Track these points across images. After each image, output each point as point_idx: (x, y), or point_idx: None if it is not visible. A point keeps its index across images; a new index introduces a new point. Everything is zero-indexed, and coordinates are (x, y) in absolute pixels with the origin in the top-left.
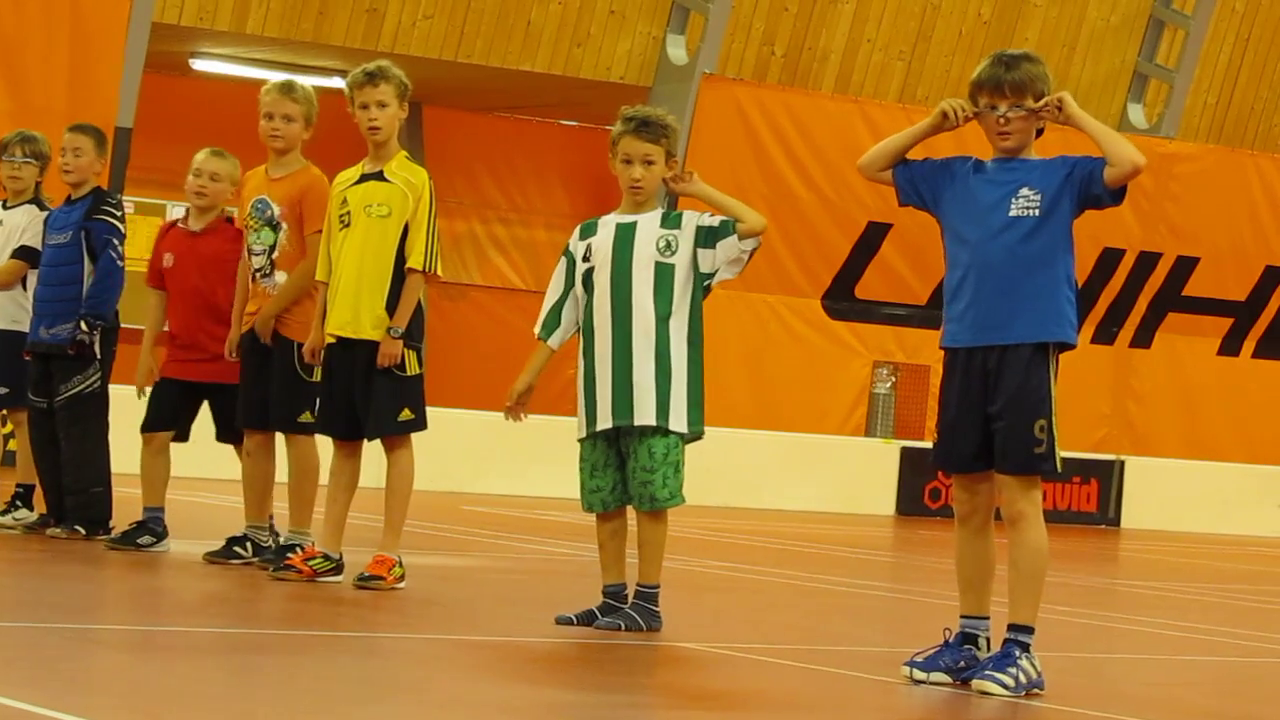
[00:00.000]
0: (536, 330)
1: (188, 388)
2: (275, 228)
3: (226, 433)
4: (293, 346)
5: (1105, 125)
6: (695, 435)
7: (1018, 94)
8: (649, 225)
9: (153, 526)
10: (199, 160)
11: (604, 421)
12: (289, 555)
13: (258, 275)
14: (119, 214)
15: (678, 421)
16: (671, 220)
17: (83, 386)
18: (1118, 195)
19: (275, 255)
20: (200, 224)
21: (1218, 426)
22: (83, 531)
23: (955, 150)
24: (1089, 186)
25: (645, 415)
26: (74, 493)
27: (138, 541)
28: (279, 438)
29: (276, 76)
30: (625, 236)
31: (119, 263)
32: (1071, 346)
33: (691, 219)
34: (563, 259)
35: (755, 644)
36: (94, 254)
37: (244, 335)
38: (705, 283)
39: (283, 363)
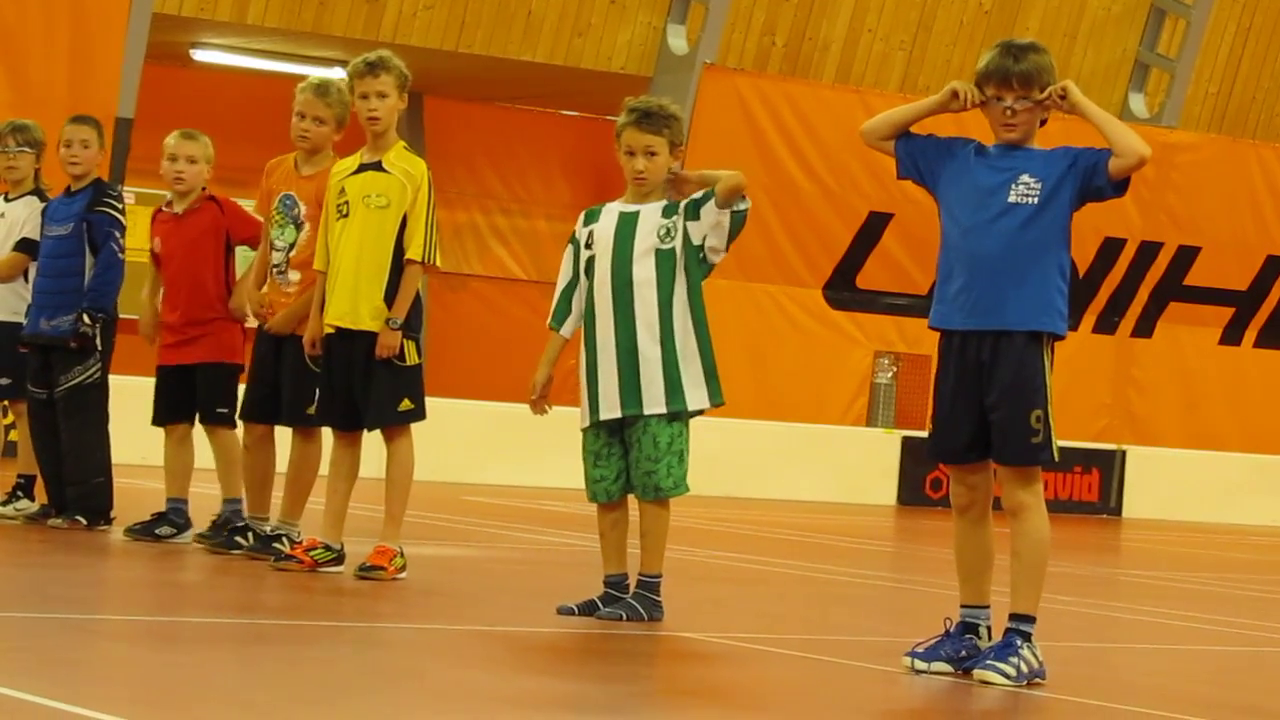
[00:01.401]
0: (549, 321)
1: (183, 372)
2: (299, 226)
3: (209, 414)
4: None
5: (1110, 115)
6: (704, 410)
7: (1025, 85)
8: (651, 215)
9: (173, 518)
10: (171, 145)
11: (609, 411)
12: (275, 544)
13: (274, 271)
14: (120, 206)
15: (696, 399)
16: (670, 209)
17: (83, 377)
18: (1120, 187)
19: (293, 254)
20: (183, 206)
21: (1219, 416)
22: (84, 522)
23: (955, 132)
24: (1091, 178)
25: (655, 404)
26: (74, 483)
27: (156, 532)
28: (278, 430)
29: (277, 67)
30: (627, 225)
31: (120, 255)
32: (1060, 338)
33: (684, 201)
34: (569, 246)
35: (757, 634)
36: (95, 246)
37: (261, 331)
38: (700, 256)
39: (294, 356)
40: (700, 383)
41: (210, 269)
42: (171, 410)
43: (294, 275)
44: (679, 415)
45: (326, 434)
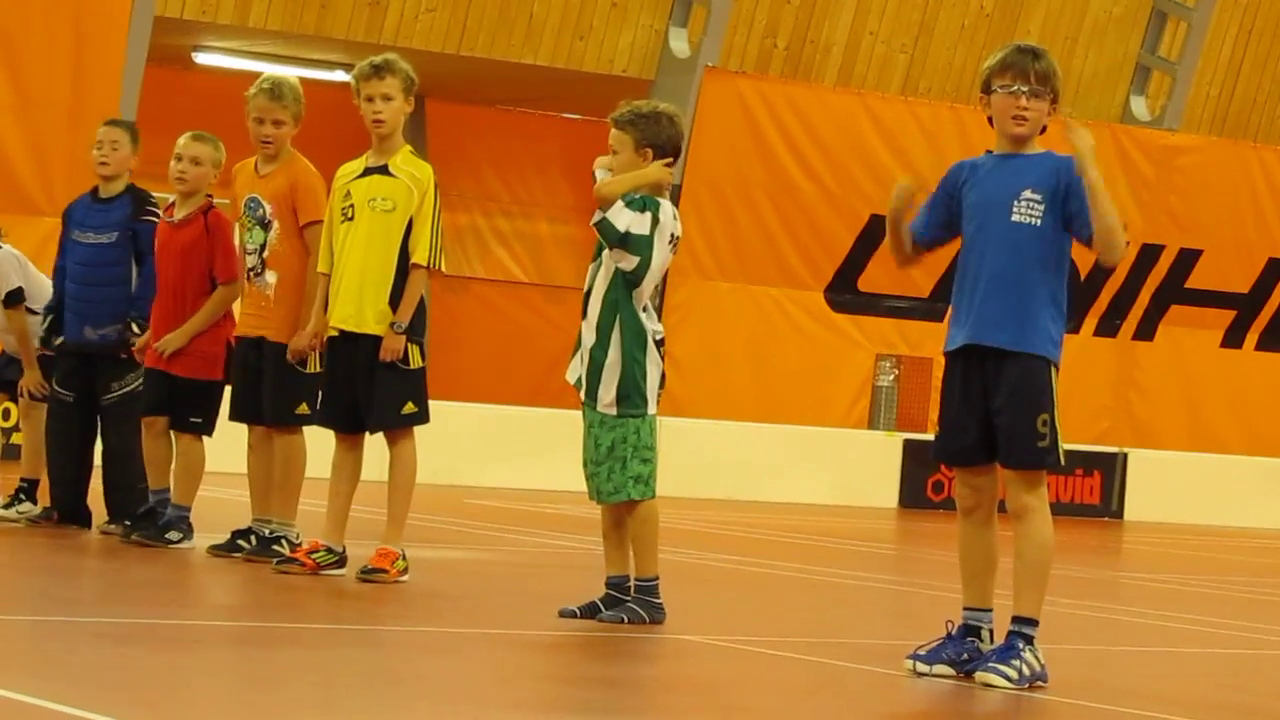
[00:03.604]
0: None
1: (166, 375)
2: (266, 226)
3: (182, 422)
4: (283, 349)
5: (1108, 205)
6: (624, 418)
7: (1041, 82)
8: (618, 209)
9: (159, 509)
10: (180, 145)
11: (573, 374)
12: (274, 547)
13: (250, 274)
14: (160, 213)
15: (604, 405)
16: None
17: (135, 385)
18: (1087, 243)
19: (266, 254)
20: (183, 212)
21: (1220, 419)
22: (129, 524)
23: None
24: (1075, 232)
25: (581, 390)
26: (121, 488)
27: (166, 536)
28: None
29: (279, 70)
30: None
31: None
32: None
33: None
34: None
35: (758, 636)
36: (140, 256)
37: (242, 338)
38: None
39: (274, 361)
40: (611, 393)
41: (193, 283)
42: (152, 406)
43: (270, 277)
44: (613, 418)
45: (315, 432)
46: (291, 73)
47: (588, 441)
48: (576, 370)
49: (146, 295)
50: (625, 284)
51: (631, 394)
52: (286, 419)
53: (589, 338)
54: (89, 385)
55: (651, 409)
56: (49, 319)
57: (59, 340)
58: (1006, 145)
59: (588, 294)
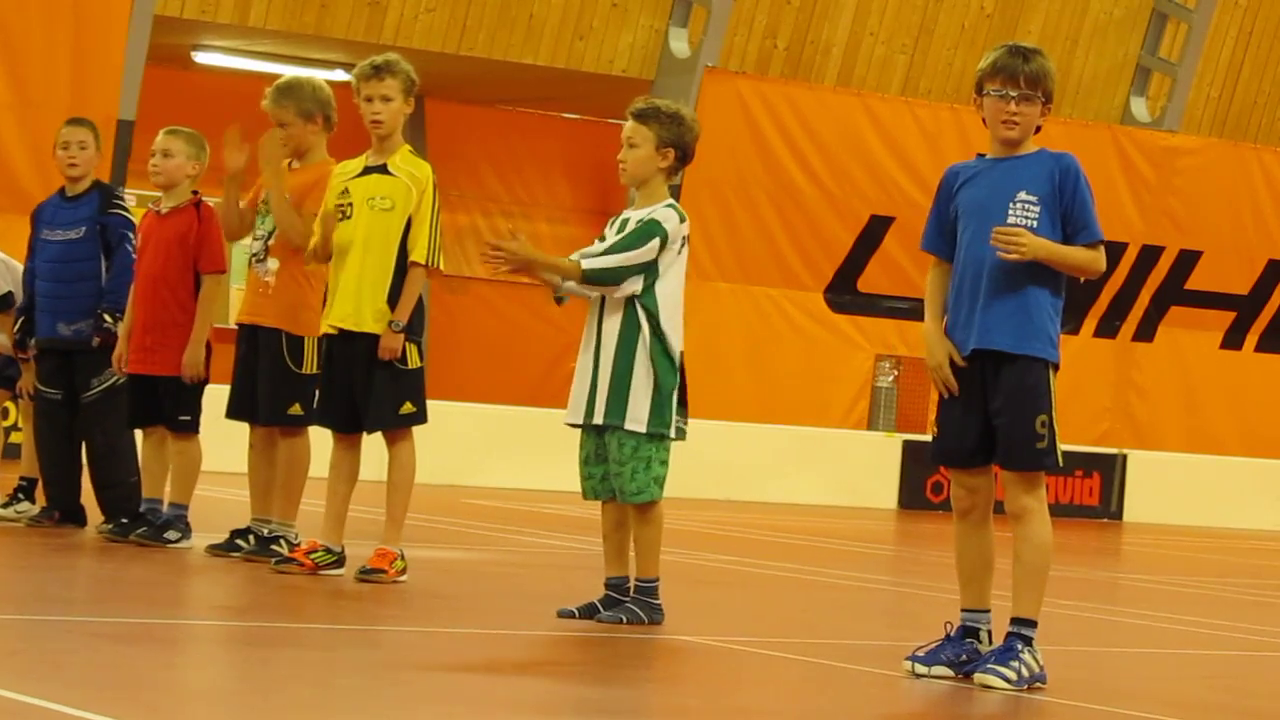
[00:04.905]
0: None
1: (150, 380)
2: None
3: (173, 423)
4: (279, 339)
5: (1068, 259)
6: (658, 435)
7: (1031, 86)
8: (633, 220)
9: (153, 518)
10: (155, 142)
11: (573, 416)
12: (273, 546)
13: (253, 260)
14: (128, 207)
15: (634, 422)
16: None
17: (116, 379)
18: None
19: (272, 241)
20: (168, 205)
21: (1220, 420)
22: (126, 523)
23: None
24: (1064, 227)
25: (597, 414)
26: (111, 486)
27: (165, 536)
28: None
29: (279, 69)
30: (616, 230)
31: (133, 255)
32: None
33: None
34: None
35: (757, 637)
36: (109, 249)
37: (241, 327)
38: (650, 281)
39: (270, 355)
40: (644, 406)
41: (176, 274)
42: (144, 415)
43: (272, 264)
44: (614, 430)
45: (314, 432)
46: (291, 72)
47: (602, 443)
48: (574, 404)
49: (119, 288)
50: (650, 297)
51: (665, 413)
52: (280, 418)
53: (607, 357)
54: (72, 382)
55: (672, 433)
56: (20, 321)
57: (33, 342)
58: (999, 147)
59: (598, 305)
